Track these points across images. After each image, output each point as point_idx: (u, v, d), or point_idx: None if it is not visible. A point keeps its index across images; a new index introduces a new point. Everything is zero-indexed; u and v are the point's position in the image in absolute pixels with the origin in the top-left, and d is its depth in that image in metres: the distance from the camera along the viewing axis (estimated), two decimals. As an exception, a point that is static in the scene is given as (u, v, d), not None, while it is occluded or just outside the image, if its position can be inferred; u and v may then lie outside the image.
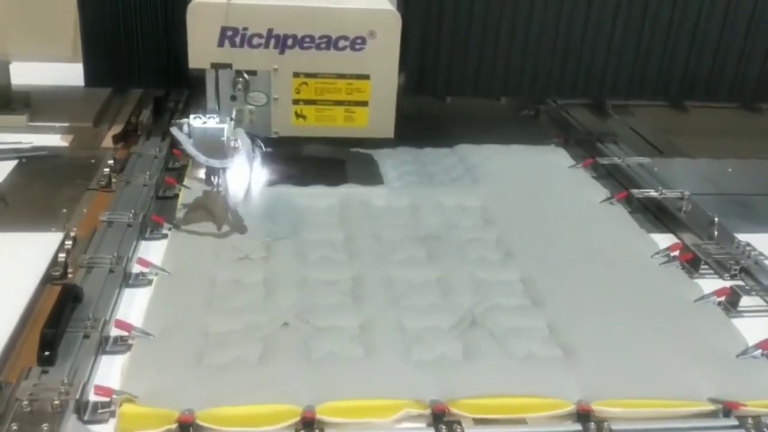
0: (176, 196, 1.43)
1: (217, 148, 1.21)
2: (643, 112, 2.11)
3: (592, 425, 0.87)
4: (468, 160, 1.65)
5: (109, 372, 0.96)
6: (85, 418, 0.87)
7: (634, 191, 1.53)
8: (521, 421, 0.92)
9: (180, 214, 1.33)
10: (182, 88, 1.80)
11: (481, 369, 0.98)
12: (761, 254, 1.29)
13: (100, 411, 0.88)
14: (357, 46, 1.33)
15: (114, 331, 1.02)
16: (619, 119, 2.03)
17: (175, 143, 1.26)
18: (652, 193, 1.52)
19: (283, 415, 0.88)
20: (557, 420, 0.92)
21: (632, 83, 1.77)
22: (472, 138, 1.76)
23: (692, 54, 1.78)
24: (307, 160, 1.58)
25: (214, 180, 1.27)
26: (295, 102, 1.37)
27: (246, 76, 1.33)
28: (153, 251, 1.24)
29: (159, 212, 1.35)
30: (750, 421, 0.90)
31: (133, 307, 1.10)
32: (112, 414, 0.88)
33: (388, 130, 1.41)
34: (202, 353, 0.99)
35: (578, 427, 0.89)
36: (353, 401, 0.91)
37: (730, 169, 1.72)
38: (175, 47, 1.56)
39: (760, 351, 1.04)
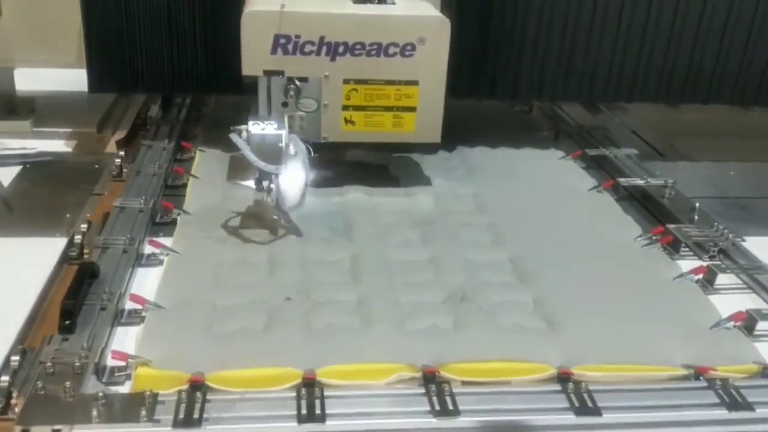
0: (184, 185, 1.51)
1: (274, 153, 1.24)
2: (636, 108, 2.17)
3: (571, 385, 0.94)
4: (464, 156, 1.72)
5: (125, 341, 1.04)
6: (104, 380, 0.95)
7: (621, 180, 1.60)
8: (505, 383, 0.99)
9: (232, 222, 1.36)
10: (186, 93, 1.87)
11: (469, 338, 1.06)
12: (738, 237, 1.36)
13: (117, 374, 0.96)
14: (407, 53, 1.37)
15: (128, 305, 1.10)
16: (612, 115, 2.10)
17: (235, 144, 1.26)
18: (638, 182, 1.59)
19: (286, 378, 0.95)
20: (540, 382, 0.99)
21: (634, 84, 1.79)
22: (467, 133, 1.82)
23: (695, 54, 1.79)
24: (345, 164, 1.61)
25: (265, 185, 1.30)
26: (345, 108, 1.41)
27: (297, 82, 1.37)
28: (163, 234, 1.32)
29: (168, 199, 1.43)
30: (718, 382, 0.97)
31: (145, 284, 1.17)
32: (128, 377, 0.96)
33: (435, 135, 1.44)
34: (211, 324, 1.06)
35: (558, 387, 0.95)
36: (350, 365, 0.98)
37: (732, 173, 1.77)
38: (180, 52, 1.64)
39: (732, 323, 1.11)
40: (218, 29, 1.62)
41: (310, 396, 0.91)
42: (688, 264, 1.30)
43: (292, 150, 1.26)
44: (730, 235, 1.36)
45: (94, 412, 0.85)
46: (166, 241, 1.28)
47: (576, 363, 1.01)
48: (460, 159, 1.71)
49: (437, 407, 0.90)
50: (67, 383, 0.88)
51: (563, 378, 0.98)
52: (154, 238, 1.28)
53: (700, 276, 1.25)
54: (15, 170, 1.56)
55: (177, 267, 1.20)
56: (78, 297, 1.04)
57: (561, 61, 1.74)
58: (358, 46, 1.36)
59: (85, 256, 1.23)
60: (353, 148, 1.59)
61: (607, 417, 0.90)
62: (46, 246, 1.25)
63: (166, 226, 1.36)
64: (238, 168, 1.54)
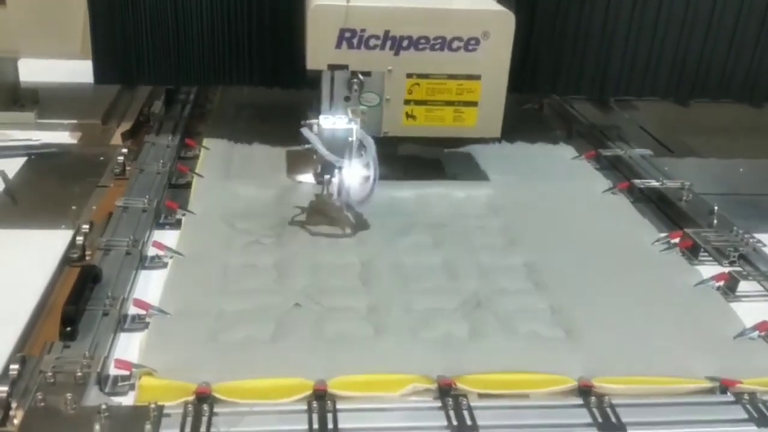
0: (188, 184, 1.47)
1: (344, 148, 1.23)
2: (646, 106, 2.13)
3: (593, 399, 0.91)
4: (476, 154, 1.69)
5: (128, 348, 1.00)
6: (106, 390, 0.91)
7: (636, 181, 1.56)
8: (524, 396, 0.95)
9: (300, 217, 1.35)
10: (193, 85, 1.83)
11: (485, 347, 1.02)
12: (759, 242, 1.32)
13: (120, 384, 0.92)
14: (470, 47, 1.36)
15: (132, 310, 1.06)
16: (620, 112, 2.06)
17: (306, 139, 1.25)
18: (654, 183, 1.55)
19: (296, 389, 0.91)
20: (559, 395, 0.95)
21: (645, 80, 1.77)
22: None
23: (704, 50, 1.76)
24: (398, 158, 1.59)
25: (326, 179, 1.28)
26: (407, 102, 1.40)
27: (361, 77, 1.35)
28: (167, 235, 1.28)
29: (172, 199, 1.39)
30: (746, 397, 0.93)
31: (149, 287, 1.13)
32: (132, 387, 0.92)
33: (495, 130, 1.44)
34: (217, 331, 1.02)
35: (579, 401, 0.92)
36: (363, 376, 0.94)
37: (741, 169, 1.73)
38: (186, 43, 1.60)
39: (756, 332, 1.07)
40: (226, 19, 1.58)
41: (322, 409, 0.87)
42: (707, 270, 1.27)
43: (364, 144, 1.24)
44: (750, 240, 1.33)
45: (97, 427, 0.81)
46: (171, 242, 1.24)
47: (596, 374, 0.97)
48: (465, 157, 1.67)
49: (454, 422, 0.86)
50: (69, 395, 0.84)
51: (584, 391, 0.94)
52: (158, 240, 1.23)
53: (721, 283, 1.21)
54: (20, 162, 1.53)
55: (182, 270, 1.16)
56: (79, 302, 1.00)
57: (575, 56, 1.72)
58: (422, 41, 1.35)
59: (87, 257, 1.19)
60: (405, 143, 1.56)
61: (632, 433, 0.87)
62: (51, 239, 1.22)
63: (171, 226, 1.32)
64: (297, 163, 1.54)
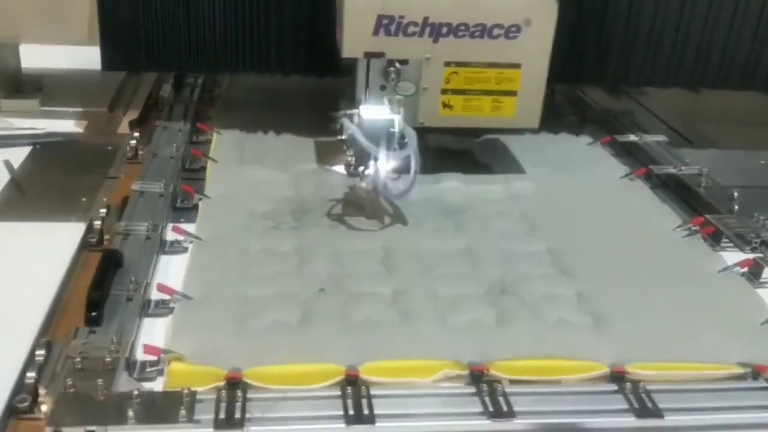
0: (203, 169, 1.45)
1: (384, 139, 1.21)
2: (656, 92, 2.12)
3: (628, 385, 0.90)
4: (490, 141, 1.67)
5: (153, 333, 0.98)
6: (135, 376, 0.89)
7: (653, 167, 1.55)
8: (556, 382, 0.94)
9: (336, 209, 1.32)
10: (203, 72, 1.79)
11: (514, 333, 1.01)
12: (781, 228, 1.31)
13: (148, 369, 0.90)
14: (511, 35, 1.33)
15: (155, 295, 1.04)
16: (631, 100, 2.04)
17: (347, 129, 1.23)
18: (671, 170, 1.54)
19: (327, 374, 0.90)
20: (592, 381, 0.94)
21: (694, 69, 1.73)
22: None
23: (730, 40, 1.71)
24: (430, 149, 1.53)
25: (362, 171, 1.26)
26: (444, 92, 1.37)
27: (398, 65, 1.32)
28: (184, 220, 1.26)
29: (187, 183, 1.37)
30: (779, 383, 0.93)
31: (169, 272, 1.12)
32: (160, 372, 0.90)
33: (534, 120, 1.42)
34: (243, 316, 1.01)
35: (614, 387, 0.91)
36: (394, 361, 0.93)
37: (762, 162, 1.72)
38: (198, 29, 1.56)
39: (785, 319, 1.07)
40: (240, 2, 1.55)
41: (356, 395, 0.85)
42: (729, 256, 1.26)
43: (406, 135, 1.22)
44: (772, 227, 1.32)
45: (130, 412, 0.79)
46: (188, 226, 1.23)
47: (628, 361, 0.96)
48: (485, 145, 1.65)
49: (490, 408, 0.85)
50: (99, 381, 0.82)
51: (616, 377, 0.94)
52: (177, 224, 1.22)
53: (746, 269, 1.20)
54: (24, 151, 1.48)
55: (203, 255, 1.15)
56: (104, 287, 0.98)
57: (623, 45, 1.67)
58: (462, 28, 1.32)
59: (105, 242, 1.17)
60: (434, 133, 1.52)
61: (669, 419, 0.86)
62: (62, 231, 1.19)
63: (187, 211, 1.30)
64: (328, 153, 1.51)
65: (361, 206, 1.30)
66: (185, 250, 1.17)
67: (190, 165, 1.46)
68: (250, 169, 1.45)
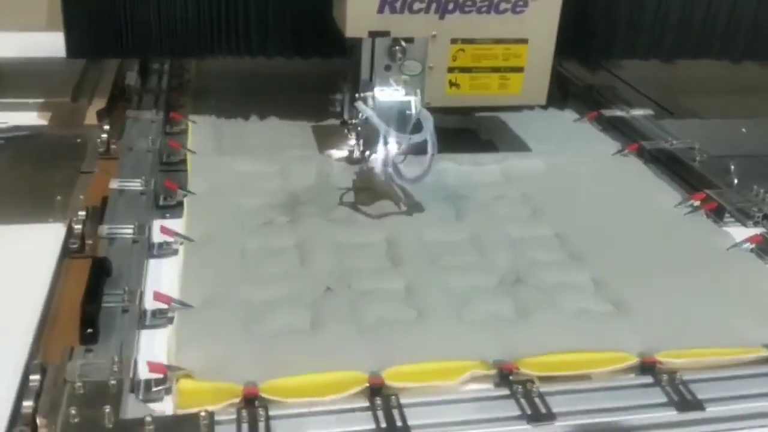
0: (182, 162, 1.36)
1: (402, 122, 1.16)
2: (629, 65, 2.09)
3: (665, 377, 0.86)
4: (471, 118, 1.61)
5: (153, 346, 0.91)
6: (141, 397, 0.82)
7: (644, 143, 1.52)
8: (585, 377, 0.90)
9: (348, 196, 1.26)
10: (176, 56, 1.69)
11: (536, 326, 0.96)
12: (783, 200, 1.30)
13: (155, 389, 0.83)
14: (518, 9, 1.30)
15: (151, 304, 0.96)
16: (606, 72, 2.01)
17: (361, 113, 1.17)
18: (664, 145, 1.51)
19: (350, 382, 0.84)
20: (622, 373, 0.91)
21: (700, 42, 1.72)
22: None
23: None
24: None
25: (368, 155, 1.22)
26: (450, 70, 1.34)
27: (403, 43, 1.26)
28: (170, 217, 1.18)
29: (168, 178, 1.28)
30: (810, 364, 0.90)
31: (162, 277, 1.04)
32: (168, 391, 0.83)
33: (541, 97, 1.39)
34: (250, 323, 0.94)
35: (649, 379, 0.87)
36: (418, 365, 0.88)
37: (744, 129, 1.71)
38: (170, 12, 1.46)
39: (803, 295, 1.05)
40: None
41: (386, 405, 0.80)
42: (733, 232, 1.24)
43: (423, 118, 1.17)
44: (773, 199, 1.30)
45: (146, 442, 0.72)
46: (174, 225, 1.14)
47: (656, 349, 0.92)
48: (465, 123, 1.59)
49: (528, 410, 0.81)
50: (106, 408, 0.75)
51: (647, 367, 0.90)
52: (162, 224, 1.13)
53: (754, 245, 1.18)
54: None
55: (197, 257, 1.07)
56: (97, 300, 0.90)
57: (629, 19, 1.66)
58: (468, 3, 1.28)
59: (87, 247, 1.08)
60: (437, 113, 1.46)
61: (711, 410, 0.83)
62: (40, 235, 1.10)
63: (171, 209, 1.21)
64: (329, 138, 1.45)
65: (371, 193, 1.25)
66: (175, 252, 1.09)
67: (168, 158, 1.37)
68: (233, 160, 1.37)
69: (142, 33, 1.46)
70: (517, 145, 1.52)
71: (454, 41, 1.32)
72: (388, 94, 1.18)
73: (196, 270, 1.04)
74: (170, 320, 0.94)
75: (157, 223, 1.14)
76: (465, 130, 1.56)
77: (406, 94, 1.18)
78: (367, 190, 1.26)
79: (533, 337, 0.94)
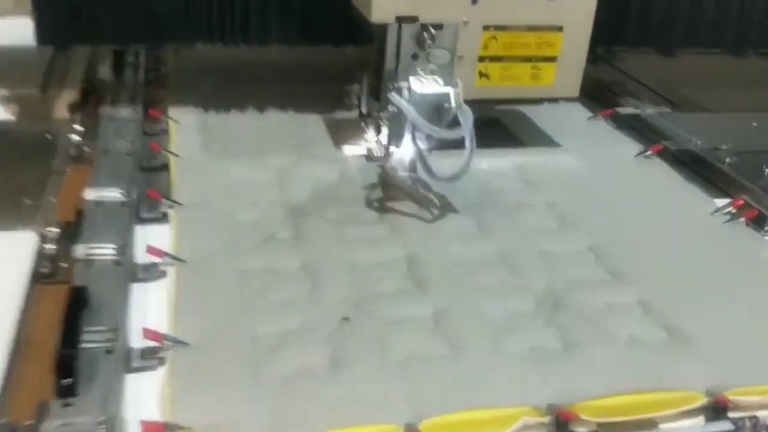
0: (164, 166, 1.21)
1: (437, 116, 1.05)
2: (630, 58, 1.99)
3: (746, 422, 0.75)
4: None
5: (141, 393, 0.76)
6: (134, 464, 0.68)
7: (667, 143, 1.41)
8: (651, 424, 0.78)
9: (375, 194, 1.15)
10: (155, 43, 1.52)
11: (586, 360, 0.84)
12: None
13: (150, 453, 0.69)
14: None
15: (138, 341, 0.81)
16: (609, 66, 1.90)
17: (396, 106, 1.06)
18: (688, 145, 1.40)
19: (383, 439, 0.71)
20: (690, 415, 0.79)
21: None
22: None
23: None
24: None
25: (392, 153, 1.11)
26: (481, 59, 1.25)
27: (432, 30, 1.14)
28: (154, 235, 1.03)
29: (151, 186, 1.13)
30: None
31: (149, 306, 0.89)
32: (166, 455, 0.69)
33: (574, 89, 1.32)
34: (258, 365, 0.80)
35: (727, 426, 0.75)
36: (461, 414, 0.75)
37: (754, 123, 1.61)
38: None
39: None
40: None
41: (432, 468, 0.67)
42: (776, 242, 1.13)
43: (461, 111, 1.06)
44: (814, 206, 1.20)
45: None
46: (161, 242, 0.99)
47: (725, 385, 0.81)
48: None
49: (599, 470, 0.68)
50: (95, 485, 0.61)
51: (719, 408, 0.78)
52: (147, 241, 0.98)
53: (807, 259, 1.07)
54: None
55: (190, 282, 0.92)
56: (76, 342, 0.75)
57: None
58: None
59: (61, 270, 0.93)
60: None
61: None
62: (5, 244, 0.95)
63: (156, 222, 1.06)
64: (340, 134, 1.32)
65: (391, 197, 1.13)
66: (163, 274, 0.95)
67: (149, 162, 1.21)
68: (224, 163, 1.22)
69: (119, 16, 1.32)
70: (544, 139, 1.41)
71: (486, 28, 1.23)
72: (425, 85, 1.07)
73: (189, 298, 0.89)
74: (162, 361, 0.80)
75: (141, 240, 0.99)
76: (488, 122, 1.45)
77: (445, 85, 1.07)
78: (387, 194, 1.14)
79: (586, 374, 0.82)
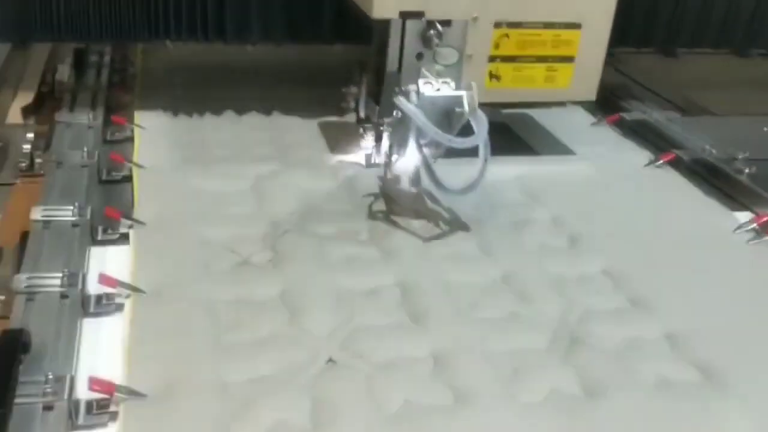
0: (126, 179, 1.08)
1: (446, 122, 0.94)
2: (627, 58, 1.89)
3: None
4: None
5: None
6: None
7: (679, 152, 1.30)
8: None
9: (377, 206, 1.04)
10: (119, 39, 1.37)
11: (614, 410, 0.73)
12: None
13: None
14: None
15: (85, 391, 0.68)
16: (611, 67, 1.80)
17: (403, 111, 0.95)
18: (701, 154, 1.30)
19: None
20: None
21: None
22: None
23: None
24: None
25: (392, 161, 1.01)
26: (492, 59, 1.17)
27: (439, 27, 1.04)
28: (112, 260, 0.90)
29: (110, 203, 1.00)
30: None
31: (101, 348, 0.76)
32: None
33: (591, 92, 1.24)
34: (227, 420, 0.67)
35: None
36: (470, 481, 0.63)
37: (766, 129, 1.50)
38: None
39: None
40: None
41: None
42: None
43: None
44: None
45: None
46: (120, 271, 0.86)
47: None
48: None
49: None
50: None
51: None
52: (104, 271, 0.85)
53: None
54: None
55: (149, 317, 0.79)
56: (8, 397, 0.62)
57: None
58: None
59: (-2, 306, 0.80)
60: None
61: None
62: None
63: (112, 244, 0.93)
64: (339, 139, 1.21)
65: (395, 208, 1.02)
66: (120, 308, 0.82)
67: (109, 175, 1.08)
68: (194, 176, 1.09)
69: (82, 10, 1.19)
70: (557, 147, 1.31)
71: (497, 25, 1.14)
72: (435, 87, 0.95)
73: (148, 337, 0.76)
74: (113, 416, 0.67)
75: (95, 268, 0.86)
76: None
77: (457, 87, 0.96)
78: (388, 207, 1.03)
79: (614, 427, 0.70)
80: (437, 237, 0.99)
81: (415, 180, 0.99)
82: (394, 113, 0.97)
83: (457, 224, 1.01)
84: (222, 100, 1.34)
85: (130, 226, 0.95)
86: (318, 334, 0.79)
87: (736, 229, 1.09)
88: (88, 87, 1.33)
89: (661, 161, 1.28)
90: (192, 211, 1.00)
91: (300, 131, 1.26)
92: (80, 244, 0.89)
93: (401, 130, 0.96)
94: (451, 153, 0.96)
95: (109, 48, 1.51)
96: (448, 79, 0.96)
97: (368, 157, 1.13)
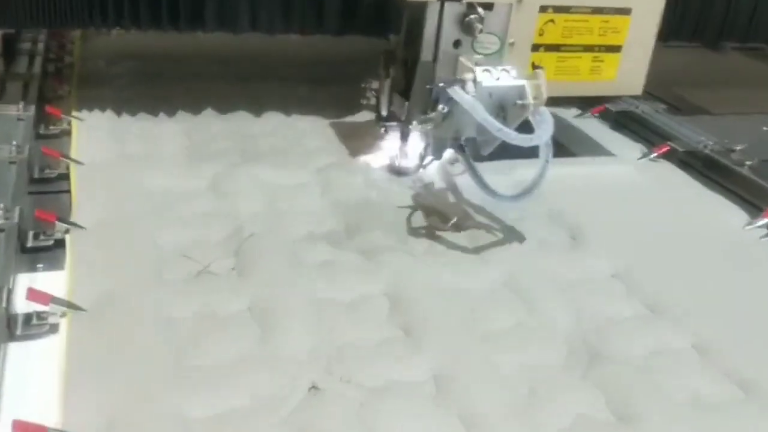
0: (62, 177, 0.94)
1: (503, 117, 0.85)
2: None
3: None
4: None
5: None
6: None
7: (674, 144, 1.22)
8: None
9: (417, 218, 0.92)
10: (54, 25, 1.21)
11: (649, 434, 0.61)
12: None
13: None
14: None
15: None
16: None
17: (459, 101, 0.85)
18: (697, 146, 1.21)
19: None
20: None
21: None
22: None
23: None
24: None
25: (428, 162, 0.94)
26: (535, 48, 1.11)
27: (481, 11, 0.94)
28: (44, 274, 0.75)
29: (42, 205, 0.85)
30: None
31: (30, 379, 0.62)
32: None
33: (638, 85, 1.19)
34: (190, 467, 0.54)
35: None
36: None
37: (765, 128, 1.43)
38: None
39: None
40: None
41: None
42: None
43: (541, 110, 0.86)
44: None
45: None
46: (54, 284, 0.72)
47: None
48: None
49: None
50: None
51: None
52: (32, 284, 0.71)
53: None
54: None
55: (89, 341, 0.65)
56: None
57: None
58: None
59: None
60: None
61: None
62: None
63: (45, 253, 0.79)
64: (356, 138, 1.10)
65: (444, 217, 0.92)
66: (54, 329, 0.67)
67: (42, 173, 0.94)
68: (142, 172, 0.95)
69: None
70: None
71: (543, 9, 1.08)
72: (494, 76, 0.86)
73: (89, 366, 0.62)
74: (45, 467, 0.53)
75: (24, 281, 0.71)
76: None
77: (518, 76, 0.86)
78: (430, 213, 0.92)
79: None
80: (422, 236, 0.87)
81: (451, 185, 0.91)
82: (440, 107, 0.87)
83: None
84: (174, 91, 1.20)
85: (67, 231, 0.81)
86: (296, 356, 0.66)
87: (745, 226, 1.00)
88: (19, 76, 1.18)
89: (655, 154, 1.19)
90: (140, 212, 0.86)
91: (271, 128, 1.14)
92: (6, 252, 0.74)
93: (446, 127, 0.87)
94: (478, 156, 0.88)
95: (43, 35, 1.35)
96: (508, 67, 0.86)
97: (392, 159, 1.02)
